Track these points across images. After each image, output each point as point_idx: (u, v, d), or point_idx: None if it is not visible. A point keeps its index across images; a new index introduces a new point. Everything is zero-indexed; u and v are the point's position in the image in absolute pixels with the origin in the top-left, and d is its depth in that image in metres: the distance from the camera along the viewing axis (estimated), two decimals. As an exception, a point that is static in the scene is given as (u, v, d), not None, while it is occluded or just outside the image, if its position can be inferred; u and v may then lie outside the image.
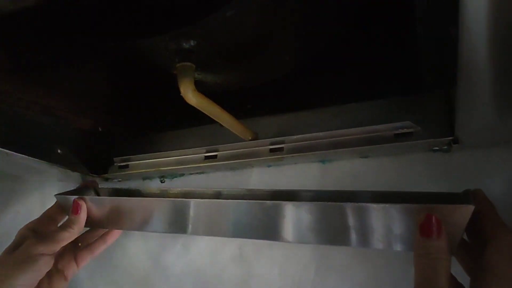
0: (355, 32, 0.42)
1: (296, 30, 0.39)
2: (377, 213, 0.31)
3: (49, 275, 0.42)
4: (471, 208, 0.28)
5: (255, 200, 0.36)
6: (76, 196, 0.44)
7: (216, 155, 0.48)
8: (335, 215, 0.33)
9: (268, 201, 0.35)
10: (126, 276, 0.57)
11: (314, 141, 0.43)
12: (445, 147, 0.39)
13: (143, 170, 0.52)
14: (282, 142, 0.45)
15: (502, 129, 0.36)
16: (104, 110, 0.53)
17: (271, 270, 0.48)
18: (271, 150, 0.45)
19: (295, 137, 0.44)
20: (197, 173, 0.53)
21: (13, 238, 0.42)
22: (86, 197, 0.44)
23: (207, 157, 0.48)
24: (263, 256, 0.48)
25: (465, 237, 0.32)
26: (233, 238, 0.49)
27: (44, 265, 0.40)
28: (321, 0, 0.36)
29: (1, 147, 0.43)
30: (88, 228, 0.48)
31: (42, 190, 0.62)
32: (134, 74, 0.49)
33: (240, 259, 0.49)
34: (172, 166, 0.50)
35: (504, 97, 0.28)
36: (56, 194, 0.45)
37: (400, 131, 0.39)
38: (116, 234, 0.48)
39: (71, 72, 0.48)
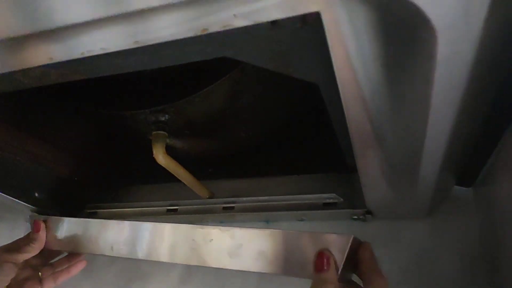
0: (296, 123, 0.53)
1: (249, 116, 0.49)
2: (277, 237, 0.37)
3: None
4: (350, 236, 0.34)
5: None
6: (42, 218, 0.51)
7: (177, 209, 0.55)
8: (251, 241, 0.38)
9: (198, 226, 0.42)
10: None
11: (260, 203, 0.52)
12: (362, 216, 0.49)
13: (110, 218, 0.58)
14: (234, 202, 0.53)
15: (402, 206, 0.46)
16: (81, 162, 0.60)
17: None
18: (224, 208, 0.53)
19: (245, 198, 0.53)
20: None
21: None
22: (49, 217, 0.51)
23: (168, 210, 0.56)
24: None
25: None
26: (183, 285, 0.55)
27: (8, 271, 0.45)
28: (267, 98, 0.47)
29: (-13, 186, 0.50)
30: (64, 254, 0.53)
31: (12, 227, 0.67)
32: (112, 135, 0.58)
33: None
34: (137, 216, 0.57)
35: (393, 183, 0.39)
36: (31, 215, 0.52)
37: (327, 200, 0.49)
38: (80, 266, 0.54)
39: (60, 129, 0.56)
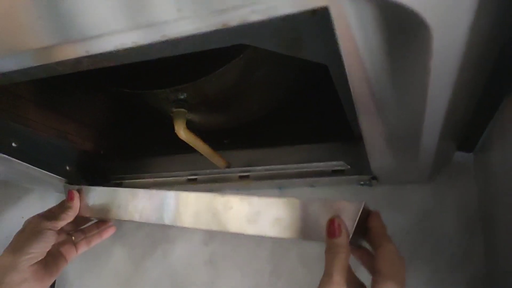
0: (306, 94, 0.56)
1: (262, 89, 0.52)
2: (293, 205, 0.40)
3: (54, 254, 0.53)
4: (361, 203, 0.37)
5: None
6: (76, 188, 0.56)
7: (196, 178, 0.60)
8: (268, 208, 0.42)
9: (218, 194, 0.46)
10: (111, 278, 0.67)
11: (273, 171, 0.56)
12: (368, 182, 0.53)
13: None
14: (249, 171, 0.57)
15: (405, 172, 0.50)
16: (106, 136, 0.65)
17: (235, 273, 0.59)
18: (240, 177, 0.57)
19: (259, 167, 0.57)
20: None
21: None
22: (82, 187, 0.56)
23: (188, 180, 0.60)
24: (228, 261, 0.60)
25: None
26: (205, 246, 0.61)
27: (49, 238, 0.51)
28: (279, 72, 0.49)
29: (23, 161, 0.54)
30: (93, 221, 0.59)
31: (42, 199, 0.73)
32: (134, 111, 0.61)
33: (210, 264, 0.61)
34: (160, 186, 0.62)
35: (397, 151, 0.42)
36: (65, 185, 0.58)
37: (336, 168, 0.53)
38: (110, 231, 0.59)
39: (85, 106, 0.60)
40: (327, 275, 0.35)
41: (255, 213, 0.43)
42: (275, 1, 0.24)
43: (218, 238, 0.61)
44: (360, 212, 0.37)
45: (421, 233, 0.53)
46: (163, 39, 0.28)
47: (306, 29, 0.28)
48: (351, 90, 0.33)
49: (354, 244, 0.39)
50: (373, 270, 0.36)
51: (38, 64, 0.34)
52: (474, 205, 0.51)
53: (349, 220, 0.38)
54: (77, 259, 0.60)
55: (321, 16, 0.26)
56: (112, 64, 0.35)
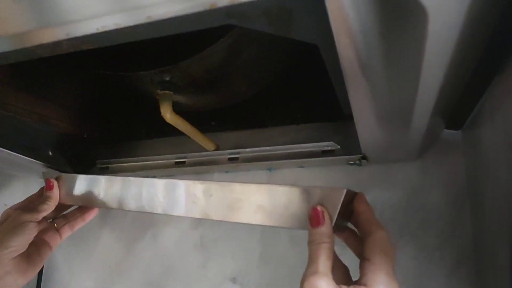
0: (295, 72, 0.55)
1: (250, 69, 0.51)
2: (275, 192, 0.39)
3: (37, 244, 0.52)
4: (343, 190, 0.36)
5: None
6: (55, 176, 0.54)
7: (184, 162, 0.59)
8: (250, 195, 0.41)
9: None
10: (100, 262, 0.67)
11: (263, 153, 0.56)
12: (357, 162, 0.53)
13: (122, 173, 0.62)
14: (238, 153, 0.57)
15: (395, 151, 0.50)
16: (89, 120, 0.63)
17: (225, 256, 0.59)
18: (229, 159, 0.57)
19: (248, 149, 0.56)
20: (166, 175, 0.64)
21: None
22: (61, 174, 0.54)
23: (177, 163, 0.59)
24: (219, 244, 0.60)
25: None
26: (194, 229, 0.60)
27: (31, 230, 0.50)
28: (266, 53, 0.48)
29: (4, 148, 0.53)
30: (73, 208, 0.58)
31: (25, 185, 0.71)
32: (118, 93, 0.59)
33: (201, 246, 0.61)
34: (147, 169, 0.60)
35: (387, 130, 0.42)
36: (44, 172, 0.56)
37: (325, 148, 0.52)
38: (92, 213, 0.58)
39: (66, 89, 0.58)
40: (311, 266, 0.34)
41: (237, 200, 0.42)
42: None
43: (207, 222, 0.61)
44: (343, 197, 0.36)
45: (410, 210, 0.53)
46: (148, 20, 0.26)
47: (296, 8, 0.27)
48: (342, 70, 0.33)
49: (339, 229, 0.38)
50: (362, 257, 0.35)
51: (16, 48, 0.32)
52: (462, 181, 0.51)
53: (332, 206, 0.36)
54: (64, 245, 0.59)
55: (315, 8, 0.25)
56: (94, 47, 0.34)
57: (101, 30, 0.27)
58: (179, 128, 0.49)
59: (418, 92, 0.31)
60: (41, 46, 0.32)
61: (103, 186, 0.52)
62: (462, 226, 0.51)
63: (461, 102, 0.43)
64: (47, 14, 0.24)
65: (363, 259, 0.34)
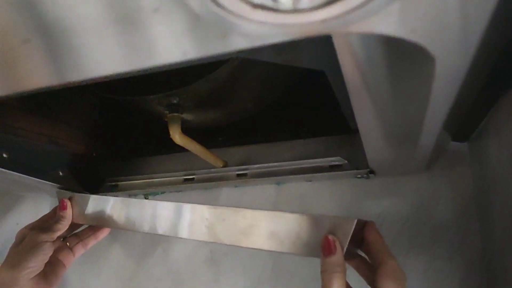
0: (302, 87, 0.56)
1: (256, 87, 0.51)
2: (287, 220, 0.40)
3: (52, 263, 0.53)
4: (354, 220, 0.37)
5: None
6: (68, 195, 0.56)
7: (193, 178, 0.59)
8: (263, 222, 0.42)
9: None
10: (113, 277, 0.67)
11: (270, 169, 0.56)
12: (365, 175, 0.53)
13: (131, 190, 0.63)
14: (246, 169, 0.57)
15: (402, 165, 0.50)
16: (98, 138, 0.63)
17: (236, 270, 0.60)
18: (238, 175, 0.57)
19: (256, 165, 0.57)
20: (176, 191, 0.64)
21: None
22: (74, 194, 0.56)
23: (185, 179, 0.60)
24: (229, 259, 0.61)
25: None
26: (205, 244, 0.61)
27: (47, 250, 0.51)
28: (271, 70, 0.48)
29: (16, 171, 0.53)
30: (84, 226, 0.58)
31: (36, 205, 0.72)
32: (125, 113, 0.60)
33: (211, 261, 0.61)
34: (157, 186, 0.61)
35: (394, 147, 0.42)
36: (57, 191, 0.57)
37: (333, 163, 0.53)
38: (105, 232, 0.59)
39: (74, 110, 0.59)
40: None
41: (249, 226, 0.43)
42: (274, 29, 0.23)
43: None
44: (354, 227, 0.37)
45: (418, 222, 0.54)
46: (160, 64, 0.27)
47: (303, 41, 0.28)
48: (349, 94, 0.33)
49: (350, 256, 0.39)
50: (373, 285, 0.36)
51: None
52: (470, 193, 0.52)
53: (343, 235, 0.37)
54: (77, 262, 0.60)
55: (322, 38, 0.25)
56: (104, 80, 0.34)
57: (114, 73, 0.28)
58: (188, 148, 0.50)
59: (426, 117, 0.31)
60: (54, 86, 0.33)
61: (116, 207, 0.53)
62: (471, 237, 0.51)
63: (468, 117, 0.43)
64: (69, 73, 0.24)
65: (375, 287, 0.36)
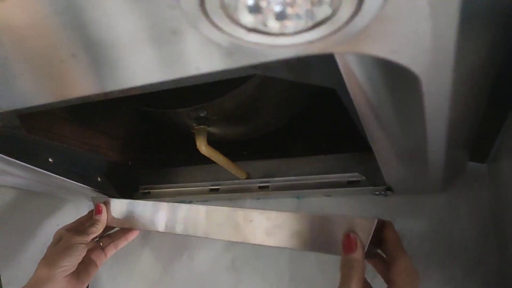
0: (322, 103, 0.58)
1: (277, 102, 0.55)
2: (310, 220, 0.44)
3: (85, 262, 0.57)
4: (374, 220, 0.39)
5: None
6: (102, 200, 0.60)
7: (218, 189, 0.63)
8: (287, 222, 0.45)
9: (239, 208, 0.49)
10: (140, 281, 0.71)
11: (291, 182, 0.59)
12: (383, 192, 0.54)
13: (161, 197, 0.67)
14: (268, 182, 0.60)
15: (418, 183, 0.51)
16: (134, 148, 0.69)
17: (255, 278, 0.62)
18: (260, 187, 0.60)
19: (277, 178, 0.59)
20: (202, 201, 0.68)
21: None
22: (109, 199, 0.60)
23: (211, 190, 0.63)
24: (249, 267, 0.63)
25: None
26: (227, 252, 0.64)
27: (81, 251, 0.55)
28: (292, 87, 0.52)
29: (59, 175, 0.59)
30: (116, 228, 0.63)
31: (76, 208, 0.78)
32: (159, 126, 0.65)
33: (232, 268, 0.64)
34: (184, 195, 0.65)
35: (406, 164, 0.44)
36: (93, 197, 0.62)
37: (351, 179, 0.55)
38: (134, 233, 0.63)
39: (114, 121, 0.64)
40: (344, 282, 0.37)
41: (273, 226, 0.46)
42: (269, 49, 0.26)
43: (239, 245, 0.64)
44: (374, 226, 0.39)
45: (436, 241, 0.54)
46: (178, 77, 0.31)
47: (313, 60, 0.31)
48: (357, 112, 0.36)
49: (370, 255, 0.41)
50: (388, 280, 0.39)
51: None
52: (488, 213, 0.52)
53: (364, 234, 0.40)
54: (108, 264, 0.64)
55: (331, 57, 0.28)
56: (137, 92, 0.39)
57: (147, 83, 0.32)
58: (213, 159, 0.53)
59: (427, 135, 0.33)
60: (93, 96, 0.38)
61: (148, 210, 0.57)
62: (488, 256, 0.51)
63: (480, 135, 0.44)
64: (106, 83, 0.28)
65: (389, 283, 0.38)
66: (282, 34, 0.20)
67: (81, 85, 0.28)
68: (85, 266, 0.58)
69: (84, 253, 0.56)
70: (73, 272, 0.55)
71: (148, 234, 0.71)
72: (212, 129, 0.56)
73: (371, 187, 0.54)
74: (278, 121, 0.59)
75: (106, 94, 0.37)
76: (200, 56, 0.23)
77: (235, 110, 0.52)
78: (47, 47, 0.23)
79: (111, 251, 0.62)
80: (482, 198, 0.52)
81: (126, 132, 0.66)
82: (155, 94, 0.56)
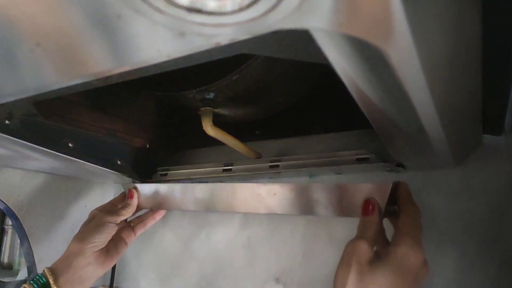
0: (331, 81, 0.57)
1: (284, 82, 0.54)
2: (330, 189, 0.48)
3: (115, 240, 0.61)
4: (389, 185, 0.43)
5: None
6: (133, 186, 0.65)
7: (231, 169, 0.64)
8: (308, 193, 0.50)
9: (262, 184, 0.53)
10: (163, 257, 0.75)
11: (301, 161, 0.59)
12: (394, 169, 0.53)
13: (178, 178, 0.69)
14: (279, 161, 0.60)
15: (427, 160, 0.50)
16: (151, 132, 0.71)
17: (270, 255, 0.63)
18: (270, 167, 0.61)
19: (288, 157, 0.60)
20: (217, 181, 0.69)
21: (83, 225, 0.62)
22: (138, 185, 0.64)
23: (224, 170, 0.65)
24: (264, 244, 0.64)
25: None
26: (243, 230, 0.65)
27: (111, 230, 0.59)
28: (298, 65, 0.51)
29: (80, 159, 0.62)
30: (145, 210, 0.67)
31: (102, 190, 0.82)
32: (174, 109, 0.66)
33: (248, 246, 0.66)
34: (199, 175, 0.67)
35: (409, 142, 0.43)
36: (123, 183, 0.66)
37: (359, 156, 0.54)
38: (161, 213, 0.68)
39: (130, 106, 0.66)
40: (357, 234, 0.41)
41: (297, 196, 0.50)
42: (229, 29, 0.25)
43: (255, 223, 0.66)
44: (389, 190, 0.43)
45: (450, 216, 0.53)
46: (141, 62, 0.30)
47: (296, 38, 0.30)
48: (348, 88, 0.35)
49: (387, 214, 0.45)
50: (396, 228, 0.42)
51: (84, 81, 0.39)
52: (505, 188, 0.50)
53: (381, 198, 0.44)
54: (133, 242, 0.67)
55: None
56: (138, 76, 0.40)
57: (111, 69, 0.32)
58: (221, 139, 0.54)
59: (416, 108, 0.32)
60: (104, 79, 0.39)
61: (177, 191, 0.61)
62: (505, 233, 0.49)
63: (488, 108, 0.43)
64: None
65: (397, 229, 0.41)
66: (222, 13, 0.20)
67: (51, 74, 0.29)
68: (115, 244, 0.62)
69: (114, 232, 0.60)
70: (102, 248, 0.59)
71: (168, 215, 0.74)
72: (220, 110, 0.56)
73: (381, 164, 0.53)
74: (288, 101, 0.59)
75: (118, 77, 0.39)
76: (154, 38, 0.23)
77: (241, 91, 0.53)
78: (11, 37, 0.24)
79: (140, 230, 0.66)
80: (499, 172, 0.50)
81: (142, 116, 0.68)
82: (165, 79, 0.57)
